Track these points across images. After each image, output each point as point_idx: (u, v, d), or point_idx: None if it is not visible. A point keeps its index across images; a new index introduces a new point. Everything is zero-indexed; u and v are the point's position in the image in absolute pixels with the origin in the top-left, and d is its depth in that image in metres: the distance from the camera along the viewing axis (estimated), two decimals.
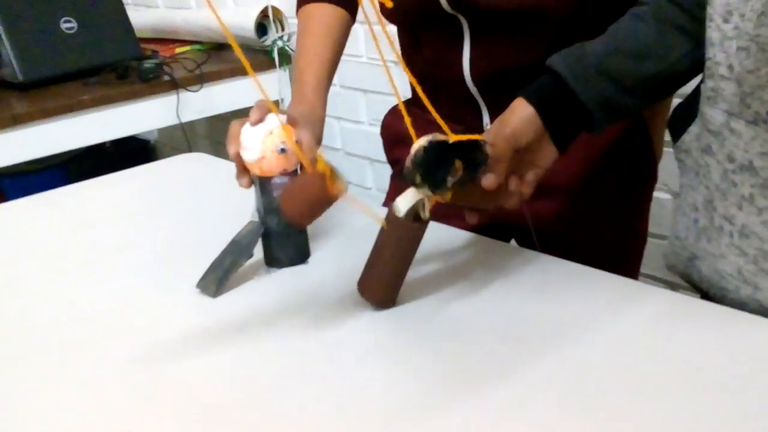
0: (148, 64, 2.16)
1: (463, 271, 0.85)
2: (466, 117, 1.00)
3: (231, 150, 0.84)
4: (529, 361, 0.68)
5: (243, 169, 0.85)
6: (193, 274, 0.90)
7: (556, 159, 0.80)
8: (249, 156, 0.82)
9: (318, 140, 0.93)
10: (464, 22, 0.92)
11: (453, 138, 0.71)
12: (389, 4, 0.72)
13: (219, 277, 0.85)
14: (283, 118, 0.84)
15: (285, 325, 0.78)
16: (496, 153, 0.76)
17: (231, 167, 1.35)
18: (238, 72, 2.25)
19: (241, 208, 1.09)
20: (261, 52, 2.33)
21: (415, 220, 0.76)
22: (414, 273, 0.81)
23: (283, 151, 0.81)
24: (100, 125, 2.04)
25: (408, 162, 0.71)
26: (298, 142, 0.82)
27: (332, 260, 0.91)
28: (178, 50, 2.42)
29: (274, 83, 2.33)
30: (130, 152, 3.05)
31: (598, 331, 0.72)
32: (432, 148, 0.70)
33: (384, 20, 0.83)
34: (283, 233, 0.88)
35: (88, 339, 0.79)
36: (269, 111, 0.84)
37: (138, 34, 2.30)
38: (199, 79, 2.15)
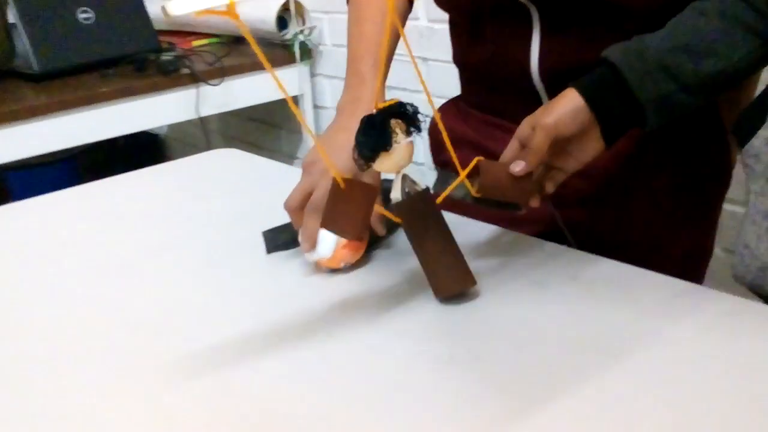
0: (166, 56, 2.12)
1: (529, 275, 0.81)
2: (525, 115, 0.96)
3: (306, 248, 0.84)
4: (609, 371, 0.64)
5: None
6: (241, 275, 0.86)
7: (599, 155, 0.77)
8: (315, 256, 0.83)
9: None
10: (535, 13, 0.87)
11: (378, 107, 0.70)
12: None
13: (284, 243, 0.89)
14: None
15: (341, 329, 0.74)
16: (533, 142, 0.74)
17: (266, 163, 1.32)
18: (259, 66, 2.18)
19: (277, 202, 1.06)
20: (281, 47, 2.28)
21: (412, 196, 0.75)
22: (478, 278, 0.77)
23: (350, 241, 0.82)
24: (118, 118, 1.99)
25: (354, 149, 0.71)
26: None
27: (392, 260, 0.86)
28: (196, 43, 2.37)
29: (295, 78, 2.29)
30: (141, 146, 3.00)
31: (677, 341, 0.67)
32: (362, 123, 0.70)
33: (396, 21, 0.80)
34: None
35: (134, 344, 0.75)
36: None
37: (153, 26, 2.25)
38: (219, 73, 2.11)
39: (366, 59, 0.92)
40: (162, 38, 2.28)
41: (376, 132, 0.68)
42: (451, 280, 0.75)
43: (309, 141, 2.41)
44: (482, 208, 0.85)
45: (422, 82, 0.73)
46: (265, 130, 2.68)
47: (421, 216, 0.74)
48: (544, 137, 0.74)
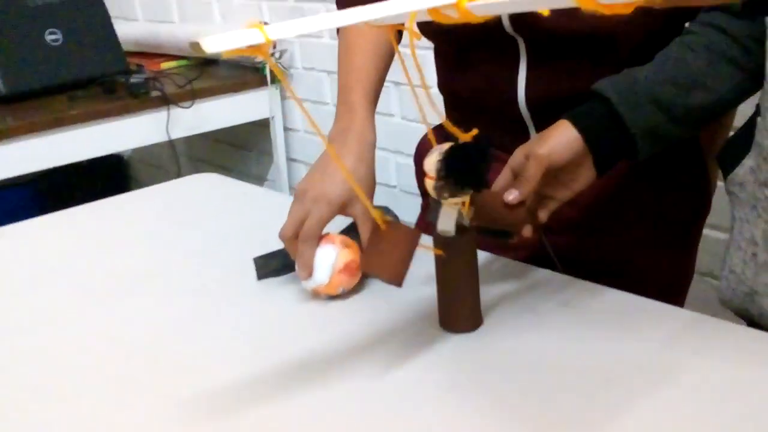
0: (136, 78, 2.10)
1: (522, 301, 0.82)
2: (513, 143, 0.97)
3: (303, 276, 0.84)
4: (623, 405, 0.65)
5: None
6: (232, 303, 0.86)
7: (590, 184, 0.79)
8: (312, 283, 0.83)
9: (371, 176, 0.90)
10: (522, 44, 0.89)
11: (462, 137, 0.69)
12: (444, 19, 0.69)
13: (276, 269, 0.89)
14: (333, 250, 0.83)
15: (339, 356, 0.74)
16: (527, 171, 0.76)
17: (246, 188, 1.32)
18: (230, 89, 2.20)
19: (264, 228, 1.06)
20: (252, 69, 2.28)
21: (463, 232, 0.74)
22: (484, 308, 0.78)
23: (346, 266, 0.83)
24: (87, 141, 1.96)
25: (435, 174, 0.69)
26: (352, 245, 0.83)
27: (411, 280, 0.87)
28: (165, 65, 2.35)
29: (266, 101, 2.29)
30: (104, 167, 2.95)
31: (686, 370, 0.69)
32: (453, 151, 0.69)
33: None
34: None
35: (122, 377, 0.74)
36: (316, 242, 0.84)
37: None
38: (190, 95, 2.09)
39: (356, 90, 0.93)
40: (130, 60, 2.26)
41: (475, 168, 0.68)
42: (466, 321, 0.76)
43: (279, 164, 2.40)
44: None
45: (420, 107, 0.73)
46: (234, 152, 2.67)
47: (462, 253, 0.74)
48: (537, 167, 0.76)
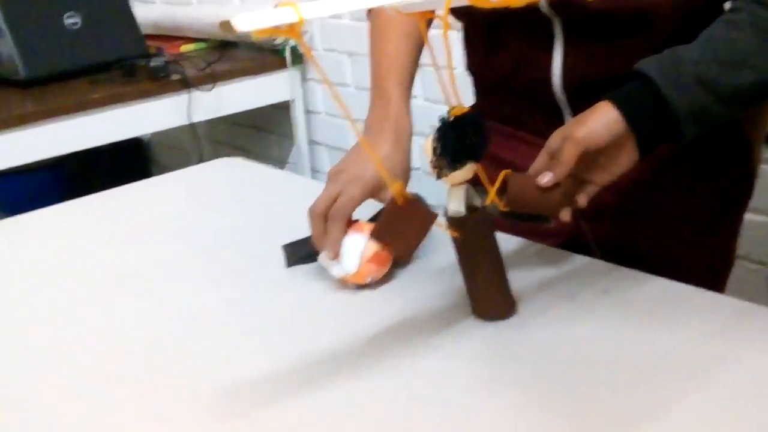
0: (156, 62, 2.08)
1: (560, 288, 0.79)
2: (547, 127, 0.94)
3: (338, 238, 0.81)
4: (666, 401, 0.62)
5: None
6: (261, 292, 0.84)
7: (631, 167, 0.76)
8: (340, 272, 0.81)
9: (407, 164, 0.89)
10: (558, 24, 0.86)
11: (453, 112, 0.67)
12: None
13: (303, 257, 0.87)
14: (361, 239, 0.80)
15: (372, 348, 0.72)
16: (562, 154, 0.73)
17: (272, 173, 1.30)
18: (252, 71, 2.17)
19: (290, 214, 1.04)
20: (272, 52, 2.25)
21: (475, 211, 0.72)
22: (518, 295, 0.76)
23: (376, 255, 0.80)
24: (108, 125, 1.95)
25: (432, 155, 0.68)
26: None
27: (446, 264, 0.85)
28: (184, 48, 2.33)
29: (286, 83, 2.26)
30: (125, 152, 2.95)
31: (733, 364, 0.66)
32: (443, 128, 0.67)
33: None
34: None
35: (151, 366, 0.72)
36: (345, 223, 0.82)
37: None
38: (210, 78, 2.07)
39: (390, 78, 0.92)
40: (149, 43, 2.24)
41: (469, 141, 0.66)
42: (496, 305, 0.74)
43: (300, 147, 2.38)
44: (509, 223, 0.83)
45: (454, 91, 0.70)
46: (255, 135, 2.65)
47: (478, 233, 0.72)
48: (573, 149, 0.73)
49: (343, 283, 0.82)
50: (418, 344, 0.72)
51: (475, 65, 1.01)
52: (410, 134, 0.90)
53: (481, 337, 0.72)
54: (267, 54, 2.25)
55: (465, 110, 0.67)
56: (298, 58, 2.26)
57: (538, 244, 0.89)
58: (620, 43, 0.84)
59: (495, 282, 0.74)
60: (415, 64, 0.95)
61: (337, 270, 0.81)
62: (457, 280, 0.77)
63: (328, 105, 2.34)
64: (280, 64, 2.23)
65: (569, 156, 0.73)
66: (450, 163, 0.67)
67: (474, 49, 1.00)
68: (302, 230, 0.98)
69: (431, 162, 0.67)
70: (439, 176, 0.68)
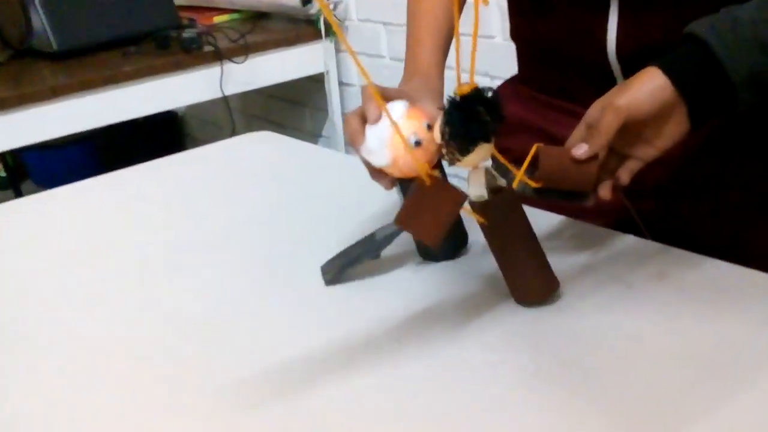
0: (188, 33, 2.05)
1: (608, 271, 0.74)
2: (597, 97, 0.89)
3: (359, 150, 0.71)
4: (726, 396, 0.58)
5: (378, 170, 0.74)
6: (298, 274, 0.80)
7: (679, 141, 0.70)
8: (379, 161, 0.70)
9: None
10: None
11: (459, 92, 0.62)
12: None
13: (340, 266, 0.77)
14: (401, 104, 0.72)
15: (413, 338, 0.68)
16: (600, 123, 0.68)
17: (306, 147, 1.26)
18: (284, 42, 2.13)
19: (324, 190, 1.00)
20: (305, 22, 2.21)
21: (498, 192, 0.68)
22: (562, 277, 0.71)
23: (418, 144, 0.70)
24: (141, 98, 1.92)
25: (441, 139, 0.63)
26: (431, 128, 0.71)
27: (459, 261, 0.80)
28: (217, 19, 2.30)
29: (320, 54, 2.21)
30: (159, 124, 2.94)
31: None
32: (450, 109, 0.62)
33: None
34: (456, 223, 0.77)
35: (180, 352, 0.69)
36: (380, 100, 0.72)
37: None
38: (243, 50, 2.03)
39: (424, 41, 0.87)
40: (181, 14, 2.21)
41: (478, 121, 0.61)
42: (537, 286, 0.69)
43: (334, 120, 2.34)
44: (544, 200, 0.78)
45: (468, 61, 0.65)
46: (288, 108, 2.61)
47: (505, 215, 0.68)
48: (613, 118, 0.67)
49: (394, 176, 0.71)
50: (458, 332, 0.68)
51: (521, 33, 0.96)
52: (441, 93, 0.83)
53: (527, 325, 0.68)
54: (301, 24, 2.21)
55: (472, 87, 0.61)
56: (332, 28, 2.21)
57: (582, 223, 0.84)
58: (677, 8, 0.78)
59: (530, 263, 0.69)
60: (451, 27, 0.89)
61: (376, 160, 0.70)
62: (480, 254, 0.72)
63: (362, 77, 2.29)
64: (315, 35, 2.19)
65: (608, 126, 0.67)
66: (460, 146, 0.62)
67: (521, 15, 0.94)
68: (336, 207, 0.95)
69: (442, 148, 0.63)
70: (451, 162, 0.64)
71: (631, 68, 0.83)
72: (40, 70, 1.96)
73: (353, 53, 0.62)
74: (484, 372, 0.62)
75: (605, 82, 0.85)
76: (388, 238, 0.76)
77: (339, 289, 0.77)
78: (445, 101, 0.63)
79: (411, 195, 0.65)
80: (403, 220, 0.65)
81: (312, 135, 2.52)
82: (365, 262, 0.77)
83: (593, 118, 0.70)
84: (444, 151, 0.63)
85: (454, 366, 0.63)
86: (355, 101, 2.34)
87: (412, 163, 0.69)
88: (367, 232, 0.83)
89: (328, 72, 2.25)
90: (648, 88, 0.68)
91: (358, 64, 0.59)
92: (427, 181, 0.64)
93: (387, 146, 0.67)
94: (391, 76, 2.21)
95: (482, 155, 0.63)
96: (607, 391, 0.59)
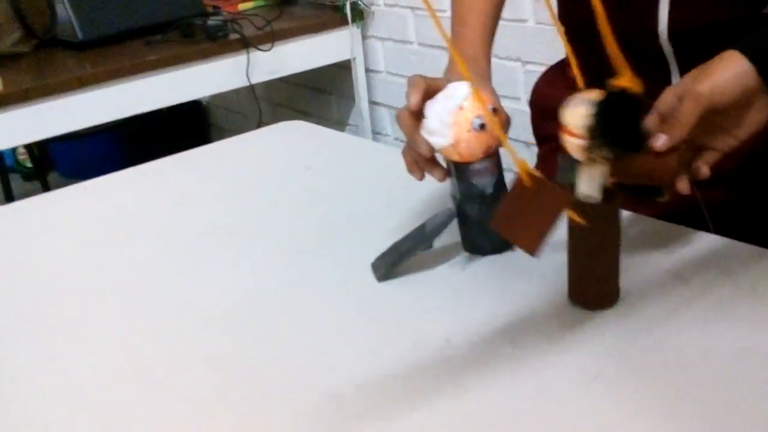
0: (213, 21, 2.01)
1: (668, 267, 0.70)
2: (649, 83, 0.84)
3: (413, 99, 0.67)
4: None
5: (429, 160, 0.70)
6: (340, 266, 0.77)
7: (762, 128, 0.66)
8: (440, 141, 0.67)
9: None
10: None
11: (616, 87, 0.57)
12: None
13: (391, 261, 0.72)
14: (465, 86, 0.68)
15: (466, 336, 0.64)
16: (680, 112, 0.63)
17: (338, 137, 1.23)
18: (311, 29, 2.09)
19: (358, 180, 0.96)
20: (331, 8, 2.17)
21: (609, 197, 0.62)
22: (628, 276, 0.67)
23: (482, 127, 0.66)
24: (168, 87, 1.90)
25: (586, 132, 0.57)
26: (496, 112, 0.67)
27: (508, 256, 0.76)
28: (242, 6, 2.26)
29: (346, 41, 2.17)
30: (183, 114, 2.92)
31: None
32: (607, 103, 0.56)
33: None
34: (484, 220, 0.73)
35: (215, 349, 0.66)
36: (429, 88, 0.69)
37: None
38: (269, 38, 2.00)
39: (468, 25, 0.83)
40: (206, 1, 2.17)
41: (637, 128, 0.56)
42: (605, 295, 0.65)
43: (361, 107, 2.30)
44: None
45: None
46: (314, 96, 2.57)
47: (607, 221, 0.63)
48: (694, 106, 0.63)
49: (452, 159, 0.70)
50: (511, 330, 0.64)
51: (568, 13, 0.91)
52: (489, 77, 0.80)
53: (580, 323, 0.64)
54: (327, 11, 2.17)
55: (634, 86, 0.56)
56: (358, 14, 2.17)
57: (639, 215, 0.80)
58: None
59: (610, 277, 0.65)
60: (498, 8, 0.86)
61: (437, 141, 0.68)
62: (556, 259, 0.68)
63: (389, 63, 2.24)
64: (340, 22, 2.15)
65: (689, 114, 0.63)
66: (608, 147, 0.57)
67: None
68: (371, 198, 0.91)
69: (584, 144, 0.57)
70: (585, 159, 0.58)
71: (683, 50, 0.78)
72: (65, 60, 1.94)
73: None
74: (543, 373, 0.59)
75: (657, 67, 0.81)
76: (439, 228, 0.72)
77: (384, 285, 0.73)
78: (600, 92, 0.58)
79: (509, 197, 0.60)
80: (501, 224, 0.60)
81: (338, 123, 2.48)
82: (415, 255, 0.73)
83: (668, 106, 0.65)
84: (585, 144, 0.57)
85: (509, 366, 0.60)
86: (381, 88, 2.30)
87: (474, 146, 0.66)
88: (407, 222, 0.80)
89: (354, 59, 2.21)
90: (730, 73, 0.63)
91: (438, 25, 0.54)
92: (527, 181, 0.58)
93: (450, 126, 0.66)
94: (419, 62, 2.17)
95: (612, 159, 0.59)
96: (672, 393, 0.55)
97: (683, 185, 0.66)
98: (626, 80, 0.57)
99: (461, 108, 0.66)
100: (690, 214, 0.79)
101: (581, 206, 0.61)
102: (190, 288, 0.77)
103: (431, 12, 0.58)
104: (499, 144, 0.69)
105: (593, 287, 0.65)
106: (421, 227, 0.73)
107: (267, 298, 0.74)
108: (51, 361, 0.67)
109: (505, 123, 0.73)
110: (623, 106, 0.56)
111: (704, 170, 0.67)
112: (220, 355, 0.66)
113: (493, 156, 0.70)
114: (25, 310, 0.76)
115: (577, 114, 0.57)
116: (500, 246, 0.75)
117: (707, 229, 0.76)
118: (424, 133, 0.68)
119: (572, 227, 0.64)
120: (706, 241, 0.74)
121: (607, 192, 0.62)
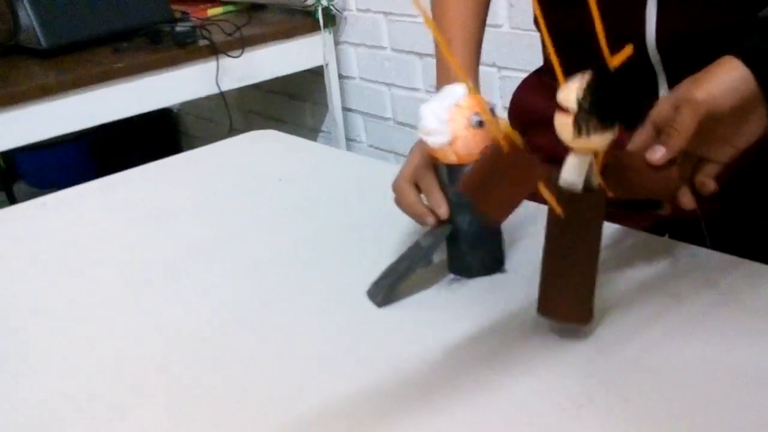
0: (182, 27, 1.97)
1: (658, 284, 0.68)
2: None
3: (409, 208, 0.70)
4: None
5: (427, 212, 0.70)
6: (309, 279, 0.73)
7: (761, 136, 0.63)
8: (438, 140, 0.65)
9: None
10: None
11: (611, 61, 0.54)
12: None
13: (390, 284, 0.69)
14: (461, 87, 0.67)
15: (470, 354, 0.61)
16: (677, 121, 0.61)
17: (312, 147, 1.19)
18: (282, 35, 2.05)
19: (333, 192, 0.93)
20: (303, 13, 2.13)
21: (591, 191, 0.59)
22: (597, 285, 0.64)
23: (480, 124, 0.64)
24: (135, 96, 1.85)
25: (576, 106, 0.54)
26: (492, 112, 0.65)
27: (531, 269, 0.73)
28: (211, 12, 2.22)
29: (318, 47, 2.14)
30: (153, 121, 2.86)
31: None
32: (604, 77, 0.54)
33: None
34: (475, 235, 0.70)
35: (186, 368, 0.63)
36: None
37: None
38: (239, 44, 1.96)
39: (453, 48, 0.80)
40: (173, 7, 2.13)
41: (632, 100, 0.53)
42: (575, 311, 0.61)
43: (335, 114, 2.26)
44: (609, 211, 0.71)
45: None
46: (287, 103, 2.53)
47: (587, 219, 0.60)
48: (692, 115, 0.60)
49: (448, 161, 0.67)
50: (499, 356, 0.61)
51: (548, 19, 0.89)
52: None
53: (567, 346, 0.61)
54: (298, 16, 2.13)
55: (628, 56, 0.53)
56: (330, 19, 2.14)
57: (623, 227, 0.77)
58: None
59: (582, 283, 0.61)
60: (480, 30, 0.84)
61: (433, 139, 0.66)
62: (526, 271, 0.65)
63: (362, 69, 2.21)
64: (312, 27, 2.11)
65: (687, 123, 0.60)
66: (598, 122, 0.54)
67: (550, 4, 0.88)
68: (344, 211, 0.88)
69: (575, 118, 0.54)
70: (578, 133, 0.54)
71: (671, 60, 0.76)
72: (29, 68, 1.88)
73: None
74: (532, 400, 0.56)
75: (643, 75, 0.78)
76: (438, 241, 0.70)
77: (362, 304, 0.70)
78: (593, 65, 0.55)
79: (482, 160, 0.57)
80: (469, 186, 0.57)
81: (312, 130, 2.45)
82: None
83: (663, 116, 0.63)
84: (576, 117, 0.54)
85: (497, 394, 0.57)
86: (355, 94, 2.27)
87: (471, 145, 0.65)
88: (384, 233, 0.77)
89: (327, 65, 2.18)
90: (728, 80, 0.61)
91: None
92: (505, 147, 0.55)
93: (447, 123, 0.65)
94: (393, 68, 2.15)
95: (606, 141, 0.55)
96: (666, 421, 0.52)
97: (687, 200, 0.63)
98: (617, 57, 0.54)
99: (458, 105, 0.65)
100: (684, 227, 0.77)
101: (566, 197, 0.58)
102: (160, 306, 0.73)
103: (434, 30, 0.55)
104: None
105: (567, 295, 0.61)
106: (416, 245, 0.70)
107: (241, 316, 0.70)
108: (14, 380, 0.63)
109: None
110: (616, 80, 0.53)
111: (710, 184, 0.64)
112: (193, 375, 0.62)
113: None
114: None
115: (569, 89, 0.54)
116: (490, 266, 0.72)
117: (702, 242, 0.74)
118: (421, 135, 0.66)
119: (550, 221, 0.60)
120: (695, 255, 0.71)
121: (590, 186, 0.58)
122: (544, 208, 0.60)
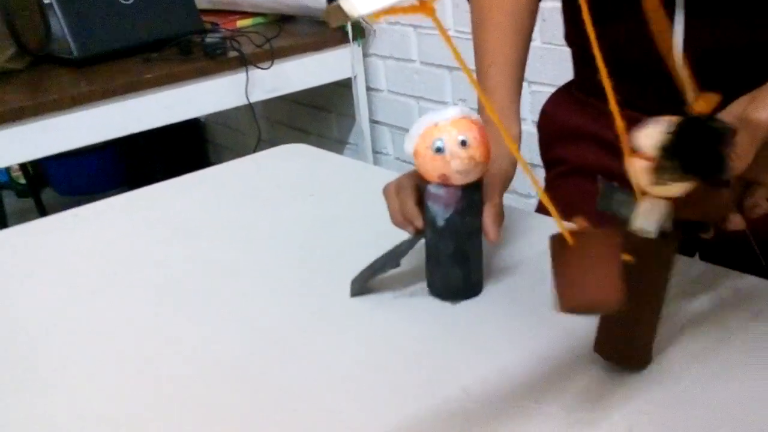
0: (212, 38, 1.98)
1: (715, 317, 0.65)
2: (660, 107, 0.79)
3: (391, 216, 0.73)
4: None
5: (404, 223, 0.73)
6: (338, 307, 0.72)
7: None
8: (407, 147, 0.68)
9: (512, 168, 0.77)
10: None
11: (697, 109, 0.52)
12: None
13: (363, 278, 0.73)
14: (457, 110, 0.67)
15: (499, 378, 0.60)
16: (736, 143, 0.56)
17: (342, 161, 1.18)
18: (311, 47, 2.06)
19: (364, 210, 0.92)
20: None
21: (665, 237, 0.56)
22: None
23: (438, 150, 0.64)
24: (165, 106, 1.86)
25: (658, 151, 0.51)
26: (464, 145, 0.64)
27: (506, 294, 0.72)
28: (241, 23, 2.23)
29: (347, 59, 2.14)
30: (181, 131, 2.88)
31: None
32: (689, 126, 0.51)
33: None
34: (450, 257, 0.69)
35: (207, 395, 0.61)
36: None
37: None
38: (269, 55, 1.96)
39: (492, 75, 0.81)
40: (204, 18, 2.14)
41: (716, 153, 0.51)
42: (632, 354, 0.59)
43: (362, 126, 2.26)
44: None
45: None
46: (314, 114, 2.53)
47: (659, 267, 0.57)
48: (752, 137, 0.57)
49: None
50: (528, 386, 0.59)
51: (578, 36, 0.88)
52: (516, 136, 0.80)
53: (607, 375, 0.59)
54: (327, 28, 2.13)
55: (713, 105, 0.51)
56: (359, 32, 2.13)
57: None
58: (747, 12, 0.70)
59: (652, 330, 0.59)
60: (521, 58, 0.84)
61: (405, 145, 0.70)
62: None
63: (390, 82, 2.21)
64: (341, 39, 2.11)
65: (747, 145, 0.56)
66: (682, 172, 0.51)
67: (577, 17, 0.87)
68: (376, 229, 0.87)
69: (655, 164, 0.51)
70: (658, 181, 0.52)
71: (700, 74, 0.74)
72: (60, 77, 1.89)
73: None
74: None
75: (669, 88, 0.77)
76: (408, 246, 0.72)
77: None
78: (681, 112, 0.53)
79: (555, 263, 0.51)
80: (567, 297, 0.50)
81: (339, 142, 2.45)
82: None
83: None
84: (656, 164, 0.51)
85: (536, 423, 0.55)
86: (382, 107, 2.27)
87: (426, 166, 0.67)
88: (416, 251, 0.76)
89: (355, 77, 2.17)
90: None
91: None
92: (570, 240, 0.50)
93: (416, 137, 0.67)
94: (421, 81, 2.14)
95: (685, 189, 0.53)
96: None
97: (738, 221, 0.61)
98: (703, 104, 0.52)
99: (435, 125, 0.65)
100: (716, 247, 0.75)
101: (631, 242, 0.54)
102: (188, 328, 0.72)
103: (461, 63, 0.53)
104: (467, 184, 0.67)
105: (630, 341, 0.59)
106: (397, 246, 0.73)
107: (277, 337, 0.69)
108: (33, 405, 0.63)
109: (497, 217, 0.71)
110: (704, 130, 0.51)
111: (761, 208, 0.61)
112: (224, 404, 0.61)
113: (453, 188, 0.67)
114: (4, 352, 0.71)
115: (652, 133, 0.51)
116: (457, 289, 0.71)
117: (753, 266, 0.71)
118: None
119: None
120: (741, 282, 0.69)
121: (664, 233, 0.55)
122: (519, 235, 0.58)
